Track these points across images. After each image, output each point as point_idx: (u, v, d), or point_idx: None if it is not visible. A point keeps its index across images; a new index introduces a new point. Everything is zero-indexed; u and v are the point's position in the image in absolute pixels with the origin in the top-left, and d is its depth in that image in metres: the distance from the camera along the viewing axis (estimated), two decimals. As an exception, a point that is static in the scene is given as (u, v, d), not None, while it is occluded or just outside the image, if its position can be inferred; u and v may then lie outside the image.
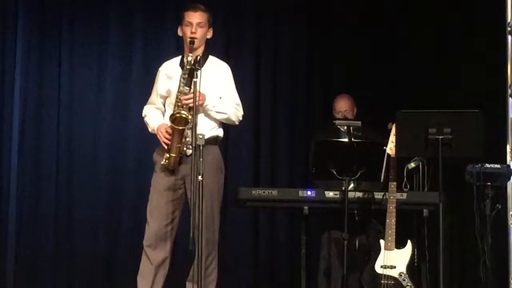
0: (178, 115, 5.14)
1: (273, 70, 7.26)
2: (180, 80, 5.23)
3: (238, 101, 5.44)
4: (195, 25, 5.29)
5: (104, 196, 6.98)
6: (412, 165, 5.85)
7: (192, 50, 5.24)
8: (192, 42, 5.24)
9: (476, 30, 6.66)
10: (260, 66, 7.25)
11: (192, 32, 5.27)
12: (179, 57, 5.41)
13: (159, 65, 5.53)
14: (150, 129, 5.43)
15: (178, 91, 5.21)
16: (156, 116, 5.43)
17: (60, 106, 6.99)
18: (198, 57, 5.14)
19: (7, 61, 6.92)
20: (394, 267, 5.56)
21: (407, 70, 6.97)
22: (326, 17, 7.20)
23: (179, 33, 5.39)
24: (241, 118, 5.48)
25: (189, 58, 5.21)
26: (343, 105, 6.36)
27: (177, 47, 6.45)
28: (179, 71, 5.29)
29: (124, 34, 7.11)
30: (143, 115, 5.51)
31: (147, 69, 6.70)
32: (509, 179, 6.08)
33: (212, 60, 5.39)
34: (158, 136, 5.28)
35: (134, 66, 7.07)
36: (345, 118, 6.25)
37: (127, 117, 6.93)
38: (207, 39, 5.38)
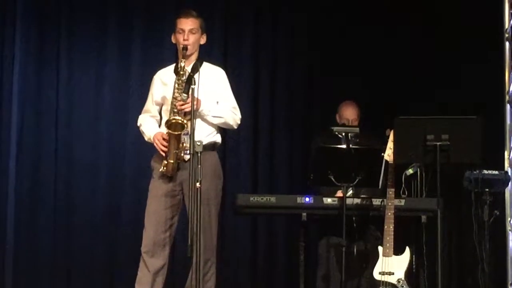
0: (173, 120, 5.15)
1: (271, 75, 7.23)
2: (174, 86, 5.23)
3: (235, 104, 5.44)
4: (187, 31, 5.30)
5: (103, 202, 6.96)
6: (410, 171, 5.84)
7: (185, 56, 5.25)
8: (184, 48, 5.25)
9: (475, 33, 6.67)
10: (259, 71, 7.22)
11: (184, 39, 5.28)
12: (174, 65, 5.38)
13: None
14: (146, 138, 5.44)
15: (173, 97, 5.21)
16: (151, 125, 5.43)
17: (58, 112, 6.98)
18: (195, 64, 5.13)
19: (5, 68, 6.92)
20: (393, 273, 5.55)
21: (406, 72, 6.96)
22: (326, 20, 7.18)
23: (173, 40, 5.40)
24: (239, 122, 5.48)
25: (182, 64, 5.22)
26: (350, 113, 6.31)
27: (176, 54, 6.44)
28: (174, 78, 5.28)
29: (122, 41, 7.10)
30: (138, 124, 5.51)
31: (145, 76, 6.66)
32: (507, 185, 6.08)
33: (206, 66, 5.37)
34: (155, 145, 5.28)
35: (132, 72, 7.06)
36: (344, 125, 6.23)
37: (125, 123, 6.91)
38: (201, 45, 5.39)
